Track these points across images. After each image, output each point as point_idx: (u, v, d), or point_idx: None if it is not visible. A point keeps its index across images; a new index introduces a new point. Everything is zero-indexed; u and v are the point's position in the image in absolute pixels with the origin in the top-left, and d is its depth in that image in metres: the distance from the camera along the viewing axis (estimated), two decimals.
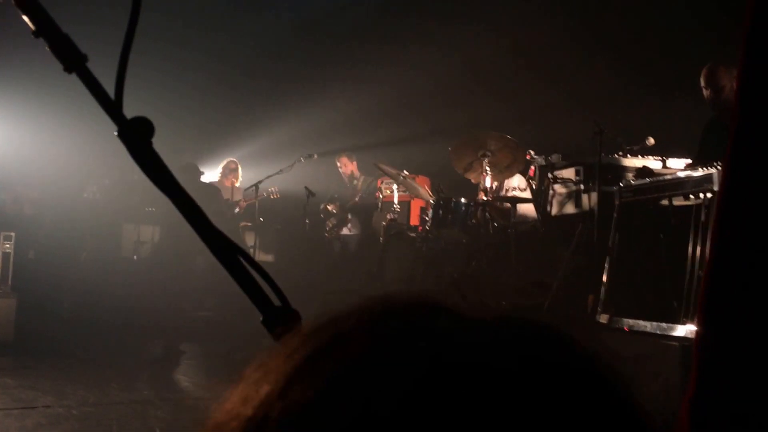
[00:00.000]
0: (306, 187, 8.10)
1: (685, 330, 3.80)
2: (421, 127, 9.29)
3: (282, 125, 10.46)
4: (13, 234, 6.62)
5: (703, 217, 3.91)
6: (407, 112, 9.54)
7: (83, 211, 8.82)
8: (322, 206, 8.55)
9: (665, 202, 4.41)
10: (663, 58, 7.26)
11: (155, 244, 8.93)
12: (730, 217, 1.02)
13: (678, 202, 4.32)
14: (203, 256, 7.06)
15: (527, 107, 7.97)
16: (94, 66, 0.75)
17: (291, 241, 8.90)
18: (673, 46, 7.15)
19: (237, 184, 9.00)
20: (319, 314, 0.48)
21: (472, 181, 6.53)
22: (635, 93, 7.33)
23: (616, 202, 4.66)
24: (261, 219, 8.62)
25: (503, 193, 6.64)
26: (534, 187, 6.20)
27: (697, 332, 1.04)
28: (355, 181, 8.61)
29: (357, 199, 8.40)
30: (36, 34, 0.74)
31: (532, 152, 6.11)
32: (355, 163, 8.67)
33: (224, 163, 9.10)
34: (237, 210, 8.69)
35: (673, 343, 3.73)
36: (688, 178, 4.15)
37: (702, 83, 4.84)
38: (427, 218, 6.50)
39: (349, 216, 8.31)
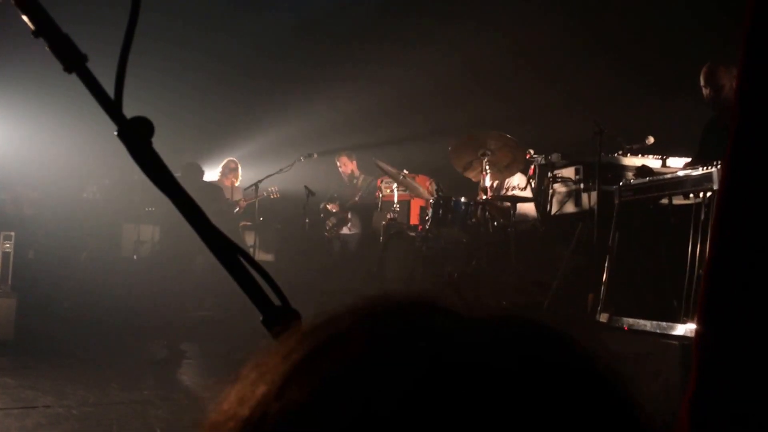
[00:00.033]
0: (306, 187, 8.10)
1: (684, 329, 3.80)
2: (421, 127, 9.29)
3: (282, 125, 10.46)
4: (12, 234, 6.62)
5: (702, 216, 3.91)
6: (407, 111, 9.54)
7: (83, 210, 8.82)
8: (322, 205, 8.55)
9: (665, 201, 4.41)
10: (663, 58, 7.26)
11: (155, 243, 8.93)
12: (729, 216, 1.02)
13: (678, 201, 4.32)
14: (203, 256, 7.06)
15: (527, 106, 7.97)
16: (94, 66, 0.74)
17: (291, 241, 8.90)
18: (673, 46, 7.15)
19: (237, 184, 9.00)
20: (316, 314, 0.48)
21: (473, 179, 6.54)
22: (635, 92, 7.33)
23: (616, 201, 4.66)
24: (261, 218, 8.62)
25: (504, 191, 6.64)
26: (534, 185, 6.20)
27: (696, 331, 1.04)
28: (355, 180, 8.61)
29: (357, 198, 8.40)
30: (36, 33, 0.74)
31: (532, 151, 6.11)
32: (354, 162, 8.67)
33: (224, 162, 9.09)
34: (237, 209, 8.69)
35: (673, 342, 3.73)
36: (688, 177, 4.15)
37: (701, 82, 4.85)
38: (427, 217, 6.50)
39: (349, 215, 8.30)
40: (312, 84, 10.06)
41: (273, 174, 8.41)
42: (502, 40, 8.26)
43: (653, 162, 5.36)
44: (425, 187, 7.14)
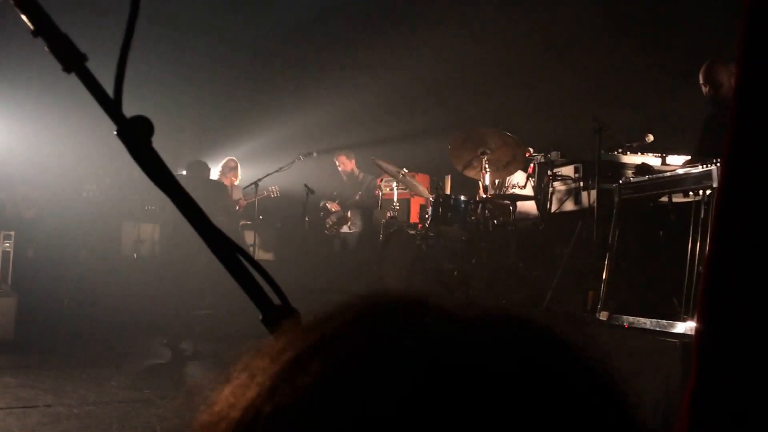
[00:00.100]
0: (305, 185, 8.10)
1: (684, 327, 3.81)
2: (421, 125, 9.29)
3: (281, 123, 10.46)
4: (12, 233, 6.61)
5: (702, 214, 3.91)
6: (406, 110, 9.54)
7: (83, 209, 8.82)
8: (321, 204, 8.56)
9: (665, 198, 4.41)
10: (662, 56, 7.25)
11: (155, 242, 8.93)
12: (729, 214, 1.02)
13: (677, 198, 4.32)
14: (203, 255, 7.04)
15: (526, 105, 7.97)
16: (94, 66, 0.74)
17: (291, 240, 8.89)
18: (673, 44, 7.14)
19: (236, 183, 8.99)
20: (307, 313, 0.47)
21: (473, 177, 6.54)
22: (634, 90, 7.33)
23: (616, 199, 4.66)
24: (260, 217, 8.62)
25: (505, 189, 6.65)
26: (534, 184, 6.20)
27: (696, 329, 1.04)
28: (354, 179, 8.61)
29: (358, 197, 8.40)
30: (35, 33, 0.74)
31: (531, 150, 6.11)
32: (353, 160, 8.67)
33: (224, 161, 9.09)
34: (237, 208, 8.69)
35: (673, 340, 3.73)
36: (688, 175, 4.15)
37: (701, 80, 4.85)
38: (427, 215, 6.50)
39: (349, 214, 8.30)
40: (311, 83, 10.06)
41: (272, 173, 8.41)
42: (501, 39, 8.26)
43: (653, 160, 5.36)
44: (425, 185, 7.15)
